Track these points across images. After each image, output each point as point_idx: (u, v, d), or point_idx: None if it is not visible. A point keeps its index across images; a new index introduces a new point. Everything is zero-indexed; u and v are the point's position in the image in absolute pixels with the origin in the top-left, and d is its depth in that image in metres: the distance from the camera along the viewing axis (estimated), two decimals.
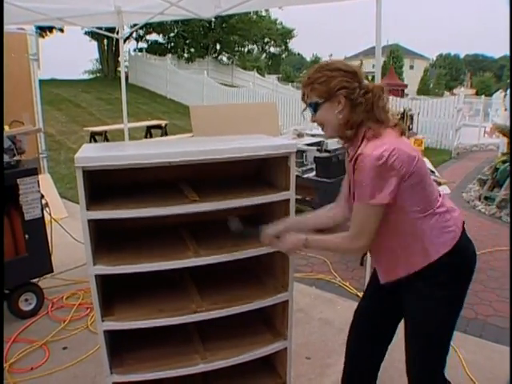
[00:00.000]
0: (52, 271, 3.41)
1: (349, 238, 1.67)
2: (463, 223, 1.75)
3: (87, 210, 1.74)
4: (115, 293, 2.14)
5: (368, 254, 2.00)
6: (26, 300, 3.32)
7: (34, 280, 3.40)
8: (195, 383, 2.27)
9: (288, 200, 2.07)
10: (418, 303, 1.73)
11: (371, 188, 1.55)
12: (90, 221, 1.77)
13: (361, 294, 2.19)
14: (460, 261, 1.71)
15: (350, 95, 1.63)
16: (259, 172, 2.38)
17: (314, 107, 1.70)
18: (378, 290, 1.92)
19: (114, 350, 2.11)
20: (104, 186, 2.07)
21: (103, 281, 2.03)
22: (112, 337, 2.09)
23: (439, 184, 4.10)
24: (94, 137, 10.54)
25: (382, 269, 1.83)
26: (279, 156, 2.03)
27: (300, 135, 6.34)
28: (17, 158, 3.07)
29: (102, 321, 1.91)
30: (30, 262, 3.23)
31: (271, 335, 2.30)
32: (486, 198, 6.66)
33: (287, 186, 2.06)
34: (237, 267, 2.25)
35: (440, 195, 1.74)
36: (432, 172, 4.48)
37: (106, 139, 10.28)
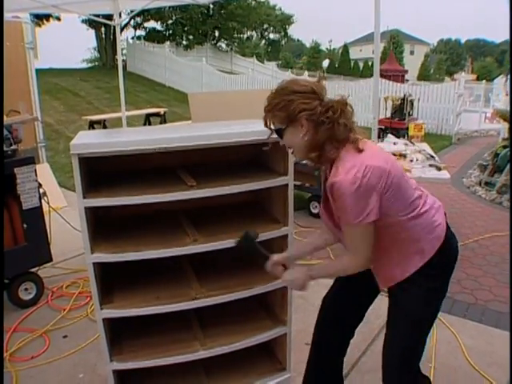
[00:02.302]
0: (51, 260, 3.41)
1: (349, 259, 1.66)
2: (445, 214, 1.76)
3: (84, 197, 1.73)
4: (114, 280, 2.14)
5: None
6: (26, 289, 3.32)
7: (34, 269, 3.40)
8: (195, 369, 2.27)
9: (286, 185, 2.06)
10: (409, 295, 1.72)
11: (355, 211, 1.52)
12: (87, 208, 1.75)
13: None
14: (450, 251, 1.73)
15: (312, 116, 1.56)
16: (258, 157, 2.35)
17: (279, 133, 1.66)
18: (350, 279, 1.88)
19: (114, 338, 2.11)
20: (102, 173, 2.06)
21: (102, 268, 2.03)
22: (112, 324, 2.10)
23: (439, 169, 4.08)
24: (92, 125, 10.46)
25: (380, 276, 1.80)
26: (277, 141, 2.00)
27: None
28: (13, 147, 3.04)
29: (101, 309, 1.91)
30: (29, 252, 3.23)
31: (271, 321, 2.30)
32: (487, 184, 6.63)
33: (286, 171, 2.05)
34: (236, 254, 2.23)
35: (421, 192, 1.72)
36: (432, 157, 4.45)
37: (105, 128, 10.22)
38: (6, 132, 2.98)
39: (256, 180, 1.99)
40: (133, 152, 1.71)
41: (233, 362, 2.29)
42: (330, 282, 3.91)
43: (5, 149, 2.98)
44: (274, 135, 1.70)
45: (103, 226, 2.08)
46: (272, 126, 1.66)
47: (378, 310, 2.04)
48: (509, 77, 11.06)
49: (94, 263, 1.83)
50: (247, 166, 2.29)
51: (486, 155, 8.19)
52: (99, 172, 2.05)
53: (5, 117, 4.42)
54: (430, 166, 4.08)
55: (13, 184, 3.05)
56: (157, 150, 1.74)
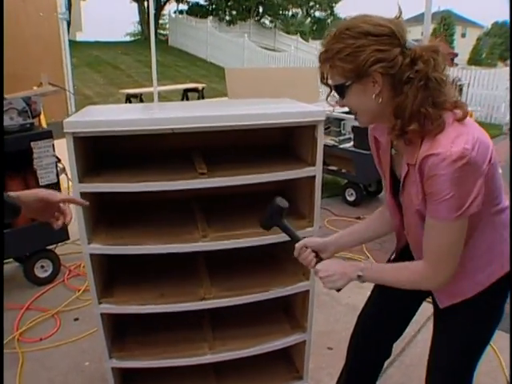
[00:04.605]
0: (68, 238, 3.28)
1: (428, 270, 1.25)
2: None
3: (80, 182, 1.53)
4: (118, 271, 1.97)
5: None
6: (42, 267, 3.23)
7: (51, 247, 3.29)
8: (205, 372, 2.09)
9: (314, 177, 1.76)
10: (467, 314, 1.40)
11: (457, 199, 1.13)
12: (83, 194, 1.56)
13: None
14: None
15: (390, 70, 1.14)
16: (286, 142, 2.10)
17: (340, 91, 1.24)
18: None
19: (117, 332, 1.96)
20: (111, 153, 1.87)
21: (106, 258, 1.86)
22: (114, 318, 1.93)
23: None
24: (129, 99, 10.42)
25: (443, 290, 1.38)
26: (305, 125, 1.72)
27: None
28: (30, 120, 2.88)
29: (99, 303, 1.74)
30: (46, 229, 3.10)
31: (289, 326, 2.08)
32: None
33: (313, 161, 1.75)
34: (255, 250, 2.00)
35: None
36: None
37: (141, 101, 10.14)
38: (24, 105, 2.83)
39: (278, 170, 1.72)
40: (133, 132, 1.49)
41: (246, 367, 2.08)
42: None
43: (22, 122, 2.83)
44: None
45: (107, 213, 1.89)
46: (330, 81, 1.25)
47: None
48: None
49: (91, 254, 1.64)
50: (273, 151, 2.04)
51: None
52: (107, 152, 1.86)
53: (35, 87, 4.33)
54: None
55: (30, 159, 2.92)
56: (162, 131, 1.51)
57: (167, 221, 1.88)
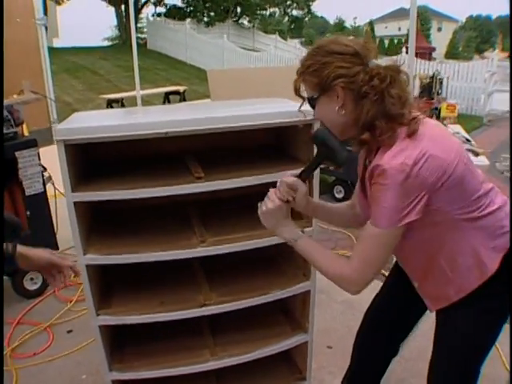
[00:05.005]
0: (57, 249, 3.21)
1: (349, 269, 1.30)
2: None
3: (72, 191, 1.48)
4: (114, 280, 1.91)
5: None
6: (32, 279, 3.15)
7: None
8: (207, 377, 2.04)
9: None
10: (459, 318, 1.41)
11: (392, 210, 1.20)
12: (76, 203, 1.51)
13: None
14: None
15: (350, 85, 1.24)
16: (279, 142, 2.07)
17: (311, 103, 1.35)
18: (399, 285, 1.64)
19: (115, 343, 1.91)
20: (103, 159, 1.82)
21: (101, 266, 1.81)
22: (112, 328, 1.88)
23: (477, 154, 3.74)
24: (111, 104, 10.31)
25: (429, 295, 1.48)
26: (300, 124, 1.70)
27: None
28: (14, 129, 2.81)
29: (97, 315, 1.68)
30: (33, 240, 3.01)
31: (290, 327, 2.05)
32: None
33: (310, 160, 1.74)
34: (253, 253, 1.97)
35: (489, 187, 1.35)
36: (468, 141, 4.10)
37: (123, 106, 10.04)
38: (6, 113, 2.75)
39: (276, 170, 1.68)
40: (127, 138, 1.45)
41: (248, 370, 2.03)
42: None
43: (5, 131, 2.76)
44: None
45: (101, 221, 1.84)
46: (304, 94, 1.37)
47: None
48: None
49: (87, 265, 1.59)
50: (265, 151, 2.01)
51: None
52: (97, 159, 1.81)
53: (15, 95, 4.23)
54: (467, 150, 3.74)
55: (15, 169, 2.84)
56: (155, 135, 1.47)
57: (164, 227, 1.83)
